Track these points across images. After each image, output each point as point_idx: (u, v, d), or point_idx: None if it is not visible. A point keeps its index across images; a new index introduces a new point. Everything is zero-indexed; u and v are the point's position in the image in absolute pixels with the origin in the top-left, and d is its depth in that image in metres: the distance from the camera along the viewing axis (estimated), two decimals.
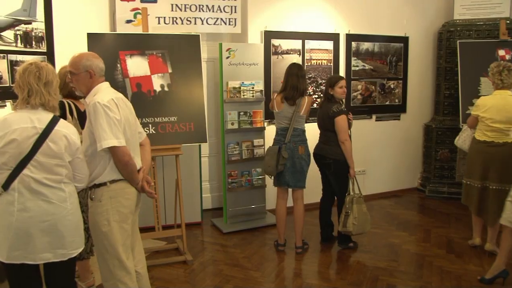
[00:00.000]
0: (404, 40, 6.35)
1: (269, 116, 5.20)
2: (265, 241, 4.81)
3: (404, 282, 3.90)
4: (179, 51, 4.37)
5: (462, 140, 4.59)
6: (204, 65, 5.25)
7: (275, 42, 5.46)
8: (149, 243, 4.53)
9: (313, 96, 5.72)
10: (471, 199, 4.32)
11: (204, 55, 5.31)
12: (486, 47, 5.71)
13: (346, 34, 5.93)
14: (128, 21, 4.77)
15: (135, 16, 4.77)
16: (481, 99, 4.30)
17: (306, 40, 5.64)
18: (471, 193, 4.32)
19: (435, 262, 4.29)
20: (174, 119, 4.28)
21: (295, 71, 4.31)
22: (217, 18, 5.12)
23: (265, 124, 5.28)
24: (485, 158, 4.18)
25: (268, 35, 5.41)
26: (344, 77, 4.56)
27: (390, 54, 6.26)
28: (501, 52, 5.64)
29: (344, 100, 4.56)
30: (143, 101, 4.18)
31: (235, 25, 5.21)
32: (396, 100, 6.40)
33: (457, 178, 6.03)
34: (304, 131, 4.38)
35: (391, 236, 4.48)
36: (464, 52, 5.73)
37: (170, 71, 4.31)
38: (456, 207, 5.69)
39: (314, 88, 5.74)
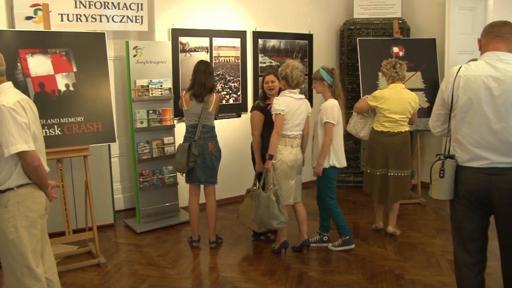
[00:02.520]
0: (309, 37, 6.61)
1: (179, 113, 5.20)
2: (179, 239, 4.82)
3: (315, 268, 4.11)
4: (84, 50, 4.26)
5: (352, 126, 4.90)
6: (111, 64, 5.15)
7: (182, 39, 5.46)
8: (59, 249, 4.37)
9: (222, 93, 5.80)
10: (373, 186, 4.63)
11: (110, 53, 5.21)
12: (383, 44, 6.12)
13: (253, 31, 6.06)
14: (28, 18, 4.53)
15: (35, 13, 4.55)
16: (379, 91, 4.62)
17: (213, 38, 5.69)
18: (372, 181, 4.63)
19: None
20: (81, 119, 4.16)
21: (202, 68, 4.35)
22: (124, 16, 5.03)
23: (175, 122, 5.28)
24: (383, 147, 4.50)
25: (176, 33, 5.40)
26: (273, 71, 4.51)
27: (296, 50, 6.50)
28: (395, 49, 6.08)
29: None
30: (47, 102, 4.02)
31: (141, 22, 5.15)
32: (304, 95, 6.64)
33: (361, 167, 6.40)
34: (213, 127, 4.44)
35: (291, 228, 4.68)
36: (363, 49, 6.10)
37: (75, 70, 4.18)
38: (361, 195, 6.04)
39: (223, 85, 5.83)
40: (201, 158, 4.36)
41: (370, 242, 4.67)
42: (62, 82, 4.12)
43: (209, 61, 5.44)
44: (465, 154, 2.68)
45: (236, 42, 5.93)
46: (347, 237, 4.45)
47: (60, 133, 4.05)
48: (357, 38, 6.22)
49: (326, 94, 4.28)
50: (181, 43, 5.45)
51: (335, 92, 4.24)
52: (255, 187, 4.50)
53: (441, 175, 2.73)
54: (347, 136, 6.34)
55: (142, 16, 5.12)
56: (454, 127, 2.75)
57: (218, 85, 5.77)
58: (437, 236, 4.81)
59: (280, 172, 4.12)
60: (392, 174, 4.50)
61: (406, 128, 4.55)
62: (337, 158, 4.27)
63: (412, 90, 4.94)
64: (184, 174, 4.49)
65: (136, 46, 4.96)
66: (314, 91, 4.55)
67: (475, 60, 2.73)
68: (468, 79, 2.61)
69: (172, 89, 5.20)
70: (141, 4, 5.09)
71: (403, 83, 4.63)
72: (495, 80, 2.54)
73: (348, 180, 6.63)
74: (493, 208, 2.68)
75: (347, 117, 4.79)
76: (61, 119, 4.08)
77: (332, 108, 4.15)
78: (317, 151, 4.28)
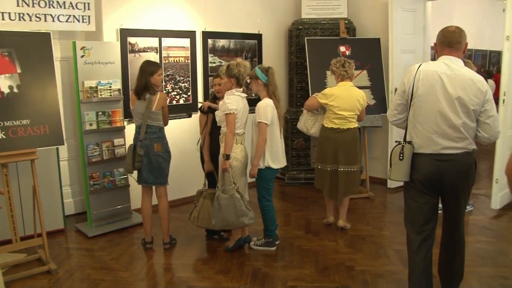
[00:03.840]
0: (258, 37, 6.69)
1: (129, 115, 5.13)
2: (133, 241, 4.77)
3: (269, 264, 4.17)
4: (29, 50, 4.14)
5: (303, 123, 4.99)
6: (57, 65, 5.01)
7: (131, 40, 5.40)
8: (6, 257, 4.23)
9: (172, 93, 5.78)
10: (323, 182, 4.75)
11: (57, 54, 5.08)
12: (330, 43, 6.28)
13: (203, 31, 6.07)
14: None
15: None
16: (329, 89, 4.74)
17: (163, 38, 5.66)
18: (323, 177, 4.75)
19: (296, 242, 4.65)
20: (27, 122, 4.05)
21: (145, 67, 4.31)
22: (70, 15, 4.91)
23: (125, 123, 5.22)
24: (333, 143, 4.63)
25: (124, 33, 5.33)
26: (218, 73, 4.59)
27: (245, 50, 6.56)
28: (342, 48, 6.25)
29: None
30: None
31: (89, 22, 5.05)
32: (254, 95, 6.71)
33: (312, 164, 6.54)
34: (161, 128, 4.38)
35: (255, 224, 4.73)
36: (311, 48, 6.24)
37: (19, 71, 4.06)
38: (312, 191, 6.18)
39: (173, 86, 5.80)
40: (147, 159, 4.32)
41: (321, 236, 4.79)
42: (5, 84, 3.99)
43: (158, 61, 5.40)
44: (420, 140, 3.06)
45: (186, 42, 5.92)
46: (271, 239, 4.48)
47: (4, 136, 3.92)
48: (305, 38, 6.35)
49: (261, 93, 4.30)
50: (130, 43, 5.39)
51: (270, 90, 4.29)
52: (205, 188, 4.51)
53: (401, 157, 3.09)
54: (298, 133, 6.48)
55: (89, 16, 5.01)
56: (412, 115, 3.10)
57: (168, 86, 5.74)
58: (385, 228, 4.99)
59: (236, 170, 4.15)
60: (342, 169, 4.64)
61: (355, 124, 4.70)
62: (273, 159, 4.27)
63: (358, 88, 5.09)
64: (132, 175, 4.46)
65: (84, 47, 4.86)
66: None
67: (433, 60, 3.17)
68: (427, 73, 3.02)
69: (121, 90, 5.13)
70: (88, 3, 4.98)
71: (351, 81, 4.76)
72: (448, 77, 2.97)
73: (299, 177, 6.76)
74: (442, 189, 3.08)
75: (297, 115, 4.88)
76: (5, 122, 3.95)
77: (265, 108, 4.17)
78: (252, 152, 4.31)
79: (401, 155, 3.08)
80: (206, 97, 5.91)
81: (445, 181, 3.02)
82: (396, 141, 3.19)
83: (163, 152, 4.38)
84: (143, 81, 4.26)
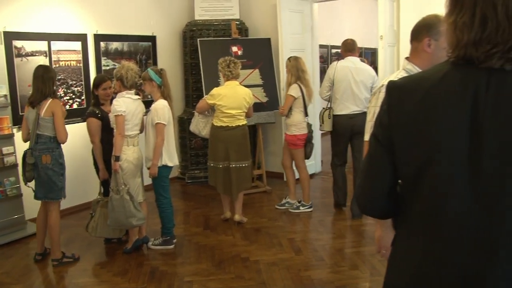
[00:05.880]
0: (152, 39, 6.71)
1: (18, 122, 4.97)
2: (27, 252, 4.62)
3: (166, 262, 4.26)
4: None
5: (195, 125, 5.15)
6: None
7: (17, 43, 5.20)
8: None
9: (65, 98, 5.65)
10: (217, 179, 4.93)
11: None
12: (222, 44, 6.46)
13: (94, 34, 5.98)
14: None
15: None
16: (215, 89, 4.92)
17: (52, 41, 5.51)
18: (216, 174, 4.92)
19: (194, 239, 4.78)
20: None
21: (40, 73, 4.17)
22: None
23: (14, 130, 5.03)
24: (223, 141, 4.82)
25: (9, 36, 5.11)
26: (110, 77, 4.57)
27: (140, 52, 6.56)
28: (234, 49, 6.46)
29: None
30: None
31: None
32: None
33: None
34: (52, 138, 4.12)
35: (153, 224, 4.80)
36: (204, 49, 6.38)
37: None
38: (211, 189, 6.29)
39: (65, 90, 5.68)
40: (36, 172, 4.11)
41: (219, 231, 4.96)
42: None
43: (49, 65, 5.26)
44: (339, 106, 5.12)
45: (77, 45, 5.80)
46: (168, 237, 4.57)
47: None
48: (198, 39, 6.48)
49: (155, 95, 4.38)
50: (15, 47, 5.18)
51: (165, 92, 4.39)
52: (100, 197, 4.51)
53: (329, 117, 5.17)
54: (194, 134, 6.60)
55: None
56: (335, 92, 5.15)
57: (60, 90, 5.60)
58: (279, 219, 5.27)
59: (127, 171, 4.19)
60: (233, 165, 4.84)
61: (244, 121, 4.92)
62: (169, 157, 4.40)
63: (251, 86, 5.32)
64: (30, 185, 4.25)
65: None
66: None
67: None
68: (342, 67, 5.13)
69: (8, 96, 4.94)
70: None
71: (239, 80, 4.97)
72: (353, 69, 5.09)
73: (198, 176, 6.88)
74: (351, 135, 5.09)
75: (191, 115, 5.01)
76: None
77: (162, 109, 4.27)
78: (148, 152, 4.37)
79: (329, 115, 5.16)
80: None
81: (353, 130, 4.99)
82: (323, 108, 5.31)
83: (53, 165, 4.12)
84: (48, 89, 4.08)
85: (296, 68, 5.18)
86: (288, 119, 5.30)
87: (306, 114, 5.32)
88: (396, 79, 1.39)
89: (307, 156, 5.38)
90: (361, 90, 5.02)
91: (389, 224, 1.93)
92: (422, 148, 1.21)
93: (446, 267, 1.20)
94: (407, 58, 2.31)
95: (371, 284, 3.78)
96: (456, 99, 1.15)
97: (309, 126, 5.33)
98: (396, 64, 5.70)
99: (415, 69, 2.17)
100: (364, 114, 4.31)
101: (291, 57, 5.38)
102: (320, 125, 5.31)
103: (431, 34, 2.10)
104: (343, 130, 5.09)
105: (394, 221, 1.51)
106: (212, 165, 4.93)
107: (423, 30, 2.15)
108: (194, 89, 6.85)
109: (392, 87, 1.31)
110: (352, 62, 5.10)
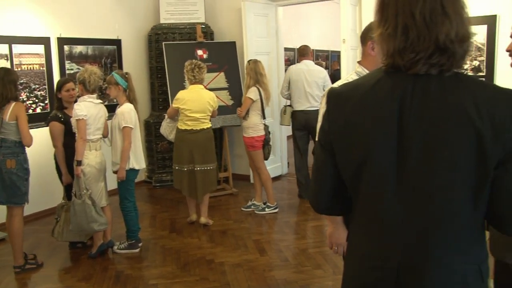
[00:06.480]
0: (117, 42, 6.67)
1: None
2: None
3: (131, 266, 4.26)
4: None
5: (164, 128, 5.19)
6: None
7: None
8: None
9: (28, 102, 5.57)
10: (182, 182, 4.95)
11: None
12: (187, 48, 6.48)
13: (58, 37, 5.91)
14: None
15: None
16: (180, 93, 4.96)
17: (13, 44, 5.41)
18: (181, 177, 4.95)
19: (160, 242, 4.78)
20: None
21: (1, 76, 4.07)
22: None
23: None
24: (188, 144, 4.86)
25: None
26: (73, 80, 4.51)
27: (105, 56, 6.51)
28: (200, 52, 6.49)
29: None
30: None
31: None
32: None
33: None
34: (16, 142, 4.03)
35: (119, 228, 4.78)
36: (169, 53, 6.39)
37: None
38: (179, 192, 6.31)
39: (28, 94, 5.60)
40: (0, 176, 4.03)
41: (185, 234, 4.98)
42: None
43: (10, 68, 5.17)
44: (296, 104, 5.89)
45: (40, 49, 5.72)
46: (133, 241, 4.55)
47: None
48: (163, 43, 6.48)
49: (121, 99, 4.38)
50: None
51: (130, 96, 4.40)
52: (64, 201, 4.46)
53: (284, 113, 6.07)
54: (162, 136, 6.59)
55: None
56: (292, 91, 5.92)
57: (22, 94, 5.52)
58: (245, 221, 5.32)
59: (90, 176, 4.17)
60: (198, 168, 4.87)
61: (208, 125, 4.97)
62: (136, 160, 4.41)
63: (216, 89, 5.35)
64: None
65: None
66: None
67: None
68: (296, 69, 5.94)
69: None
70: None
71: (204, 84, 5.01)
72: (306, 70, 5.85)
73: (165, 179, 6.87)
74: (308, 128, 5.74)
75: (160, 118, 5.02)
76: None
77: (129, 112, 4.28)
78: (115, 156, 4.37)
79: (285, 111, 6.01)
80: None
81: (307, 123, 5.67)
82: (284, 105, 6.15)
83: (18, 169, 4.06)
84: (10, 92, 4.00)
85: (254, 71, 5.27)
86: (245, 121, 5.38)
87: (263, 117, 5.41)
88: (346, 81, 1.47)
89: (266, 157, 5.47)
90: (312, 89, 5.80)
91: (339, 220, 2.01)
92: (356, 152, 1.29)
93: (383, 262, 1.28)
94: (359, 62, 2.41)
95: (333, 283, 3.86)
96: (385, 105, 1.24)
97: (266, 128, 5.43)
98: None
99: (364, 71, 2.26)
100: (317, 111, 4.55)
101: (250, 60, 5.49)
102: (280, 120, 6.20)
103: (373, 38, 2.20)
104: (300, 123, 5.85)
105: (346, 219, 1.58)
106: (177, 168, 4.95)
107: (367, 34, 2.26)
108: (160, 93, 6.85)
109: (330, 94, 1.39)
110: (306, 65, 5.92)
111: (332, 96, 1.38)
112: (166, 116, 5.19)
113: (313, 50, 8.36)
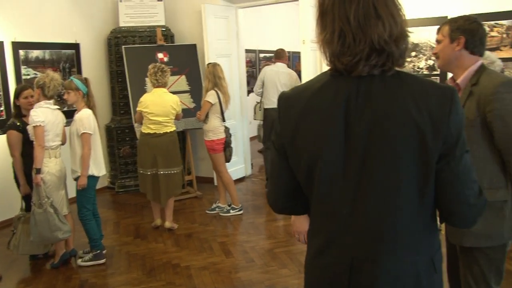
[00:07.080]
0: (75, 46, 6.54)
1: None
2: None
3: (96, 274, 4.19)
4: None
5: (137, 133, 5.15)
6: None
7: None
8: None
9: None
10: (146, 186, 4.92)
11: None
12: (148, 51, 6.43)
13: (12, 42, 5.75)
14: None
15: None
16: (143, 96, 4.93)
17: None
18: (145, 181, 4.91)
19: (124, 249, 4.72)
20: None
21: None
22: None
23: None
24: (151, 148, 4.82)
25: None
26: (31, 86, 4.40)
27: (63, 61, 6.38)
28: (160, 55, 6.45)
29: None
30: None
31: None
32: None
33: None
34: None
35: (81, 236, 4.69)
36: (129, 57, 6.33)
37: None
38: (142, 197, 6.23)
39: None
40: None
41: (149, 239, 4.93)
42: None
43: None
44: (268, 102, 6.23)
45: None
46: (98, 251, 4.42)
47: None
48: (123, 46, 6.40)
49: (79, 104, 4.27)
50: None
51: (90, 101, 4.33)
52: (22, 212, 4.35)
53: (260, 109, 6.55)
54: (124, 141, 6.55)
55: None
56: (265, 90, 6.31)
57: None
58: (210, 224, 5.32)
59: (50, 184, 4.07)
60: (162, 172, 4.84)
61: (172, 128, 4.94)
62: (96, 167, 4.32)
63: (178, 92, 5.31)
64: None
65: None
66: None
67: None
68: (270, 71, 6.35)
69: None
70: None
71: (166, 88, 4.99)
72: (278, 72, 6.28)
73: (129, 185, 6.79)
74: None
75: (121, 123, 4.96)
76: None
77: (87, 118, 4.19)
78: (74, 164, 4.27)
79: (260, 108, 6.54)
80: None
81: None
82: (256, 102, 6.86)
83: None
84: None
85: (213, 74, 5.27)
86: (205, 124, 5.39)
87: (223, 119, 5.42)
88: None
89: (227, 159, 5.49)
90: (282, 86, 6.17)
91: None
92: (307, 154, 1.33)
93: (337, 259, 1.34)
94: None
95: (299, 281, 3.91)
96: (331, 107, 1.28)
97: (227, 130, 5.44)
98: (318, 68, 5.93)
99: None
100: None
101: (209, 63, 5.50)
102: (254, 116, 6.94)
103: None
104: (271, 120, 6.04)
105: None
106: (141, 172, 4.92)
107: None
108: (121, 97, 6.76)
109: (280, 98, 1.43)
110: (278, 67, 6.39)
111: (282, 100, 1.42)
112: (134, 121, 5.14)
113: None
